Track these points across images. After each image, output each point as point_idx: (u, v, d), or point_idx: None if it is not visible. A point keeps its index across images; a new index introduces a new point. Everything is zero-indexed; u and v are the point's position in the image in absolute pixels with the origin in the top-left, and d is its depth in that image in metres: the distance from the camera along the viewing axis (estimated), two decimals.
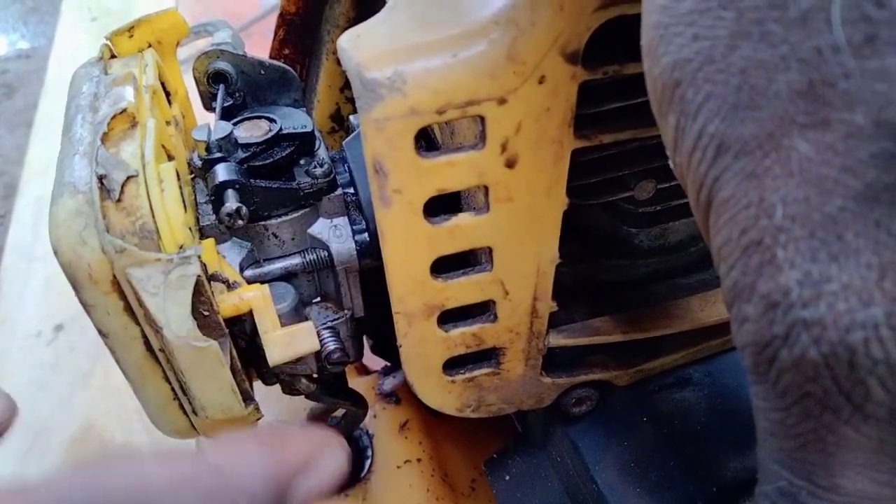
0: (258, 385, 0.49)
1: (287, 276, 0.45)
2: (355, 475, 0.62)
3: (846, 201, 0.20)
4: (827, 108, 0.19)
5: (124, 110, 0.39)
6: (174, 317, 0.35)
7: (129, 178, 0.36)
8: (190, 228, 0.38)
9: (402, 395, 0.68)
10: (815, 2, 0.19)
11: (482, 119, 0.32)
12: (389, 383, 0.68)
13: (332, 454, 0.33)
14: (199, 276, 0.35)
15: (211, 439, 0.35)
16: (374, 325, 0.54)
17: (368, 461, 0.63)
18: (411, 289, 0.37)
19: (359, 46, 0.32)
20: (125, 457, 0.30)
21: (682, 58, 0.22)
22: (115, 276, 0.36)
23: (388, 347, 0.69)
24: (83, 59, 0.47)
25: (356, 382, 0.70)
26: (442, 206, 0.36)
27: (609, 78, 0.33)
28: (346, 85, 0.59)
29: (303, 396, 0.51)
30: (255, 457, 0.31)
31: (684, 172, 0.24)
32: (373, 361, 0.77)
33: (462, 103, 0.31)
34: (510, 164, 0.34)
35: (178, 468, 0.30)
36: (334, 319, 0.48)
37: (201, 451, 0.31)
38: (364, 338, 0.59)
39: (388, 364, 0.72)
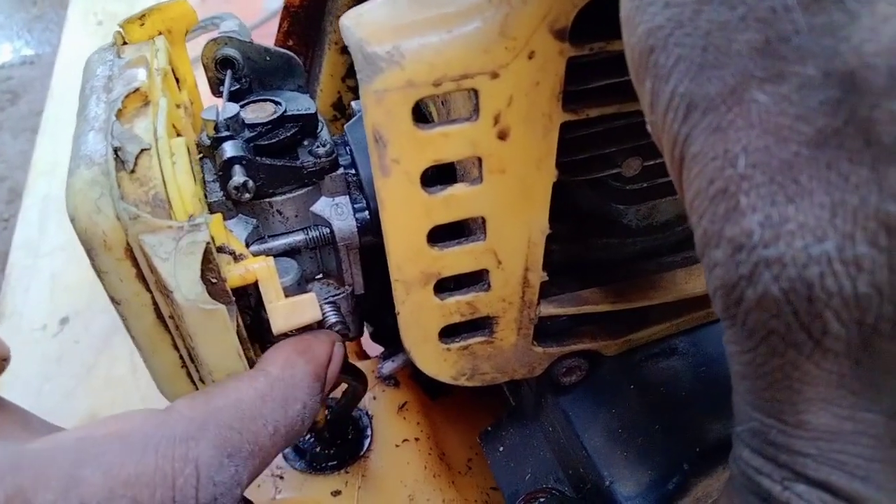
0: None
1: (290, 252, 0.47)
2: (355, 453, 0.63)
3: (800, 147, 0.21)
4: (782, 63, 0.21)
5: (137, 89, 0.41)
6: (184, 281, 0.37)
7: (142, 150, 0.38)
8: (199, 200, 0.40)
9: (401, 378, 0.69)
10: None
11: (476, 92, 0.34)
12: (388, 367, 0.69)
13: (336, 346, 0.45)
14: (207, 242, 0.37)
15: (265, 354, 0.43)
16: (374, 309, 0.56)
17: (368, 440, 0.64)
18: (409, 257, 0.39)
19: (360, 24, 0.34)
20: (221, 382, 0.40)
21: (655, 25, 0.24)
22: (128, 244, 0.38)
23: (387, 334, 0.71)
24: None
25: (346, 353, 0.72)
26: (440, 180, 0.38)
27: (595, 54, 0.35)
28: (348, 74, 0.61)
29: None
30: (301, 363, 0.42)
31: (659, 133, 0.26)
32: (372, 347, 0.78)
33: (457, 76, 0.33)
34: (502, 136, 0.36)
35: (260, 384, 0.39)
36: (335, 295, 0.50)
37: (263, 367, 0.41)
38: (364, 324, 0.61)
39: (387, 350, 0.74)
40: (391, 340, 0.70)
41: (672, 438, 0.42)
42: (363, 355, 0.77)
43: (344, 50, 0.59)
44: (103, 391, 1.01)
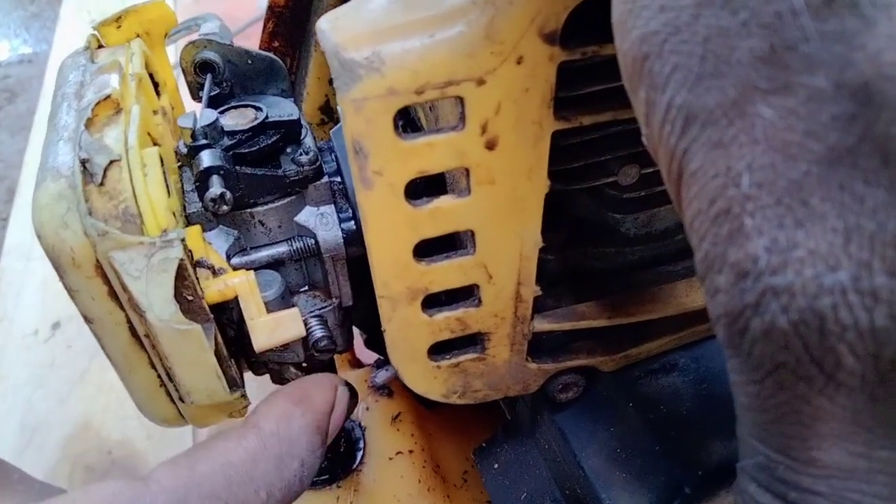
0: (254, 379, 0.49)
1: (274, 264, 0.46)
2: (347, 466, 0.62)
3: (810, 165, 0.20)
4: (788, 73, 0.19)
5: (108, 97, 0.39)
6: (157, 300, 0.35)
7: (111, 162, 0.36)
8: (175, 214, 0.38)
9: (395, 388, 0.68)
10: None
11: (461, 100, 0.32)
12: (382, 376, 0.68)
13: (341, 390, 0.42)
14: (181, 259, 0.36)
15: (256, 407, 0.39)
16: (365, 317, 0.55)
17: (360, 453, 0.63)
18: (394, 272, 0.37)
19: (337, 28, 0.32)
20: (206, 443, 0.36)
21: (649, 30, 0.22)
22: (98, 261, 0.36)
23: (381, 341, 0.69)
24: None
25: (348, 375, 0.70)
26: (427, 192, 0.36)
27: (588, 59, 0.33)
28: None
29: None
30: (297, 415, 0.38)
31: (656, 146, 0.24)
32: (365, 355, 0.77)
33: (441, 83, 0.31)
34: (490, 146, 0.34)
35: (250, 443, 0.36)
36: (322, 308, 0.48)
37: (254, 422, 0.38)
38: (357, 332, 0.59)
39: (381, 357, 0.72)
40: (383, 346, 0.69)
41: (672, 460, 0.40)
42: (356, 363, 0.76)
43: None
44: (96, 397, 1.00)
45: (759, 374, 0.22)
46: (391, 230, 0.35)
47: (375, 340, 0.68)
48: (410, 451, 0.62)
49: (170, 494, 0.32)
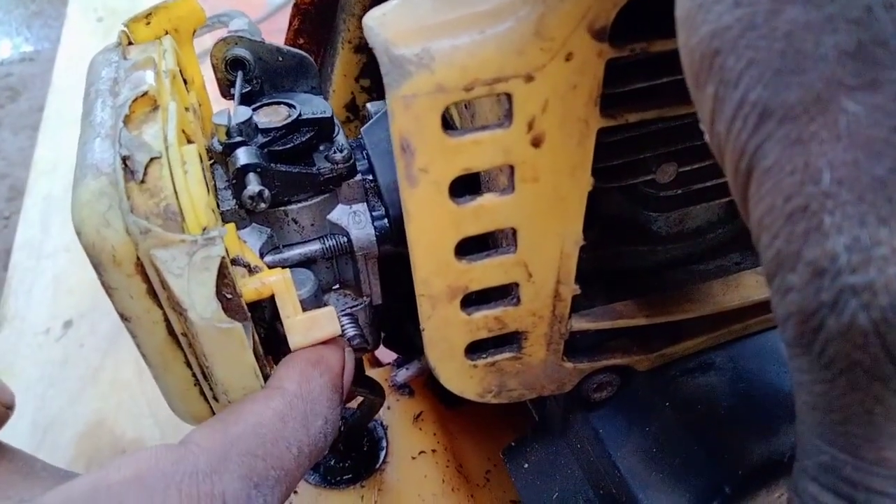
0: None
1: (306, 263, 0.45)
2: (371, 466, 0.61)
3: None
4: (877, 69, 0.19)
5: (145, 93, 0.39)
6: (199, 298, 0.35)
7: (152, 159, 0.36)
8: (213, 210, 0.38)
9: (416, 387, 0.67)
10: None
11: (509, 97, 0.32)
12: (402, 375, 0.67)
13: (348, 353, 0.43)
14: (223, 257, 0.35)
15: (276, 370, 0.41)
16: (390, 316, 0.54)
17: (383, 452, 0.62)
18: (435, 270, 0.37)
19: (385, 24, 0.32)
20: (235, 406, 0.38)
21: (721, 26, 0.22)
22: (138, 258, 0.35)
23: (401, 340, 0.69)
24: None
25: (369, 374, 0.70)
26: (462, 189, 0.36)
27: (636, 56, 0.32)
28: (362, 74, 0.59)
29: None
30: (316, 375, 0.40)
31: (723, 143, 0.23)
32: (385, 353, 0.76)
33: (489, 80, 0.31)
34: (536, 143, 0.34)
35: (277, 403, 0.37)
36: (353, 306, 0.48)
37: (278, 384, 0.39)
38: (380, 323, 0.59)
39: (400, 356, 0.72)
40: (405, 346, 0.68)
41: (711, 459, 0.40)
42: (376, 362, 0.75)
43: (357, 49, 0.57)
44: (109, 395, 0.99)
45: (831, 374, 0.22)
46: (434, 228, 0.35)
47: (395, 338, 0.68)
48: (433, 451, 0.62)
49: (210, 454, 0.33)
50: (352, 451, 0.61)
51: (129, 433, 0.94)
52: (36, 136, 1.46)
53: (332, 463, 0.61)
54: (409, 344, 0.67)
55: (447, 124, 0.44)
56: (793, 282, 0.21)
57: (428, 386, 0.66)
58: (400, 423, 0.64)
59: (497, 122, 0.33)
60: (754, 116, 0.21)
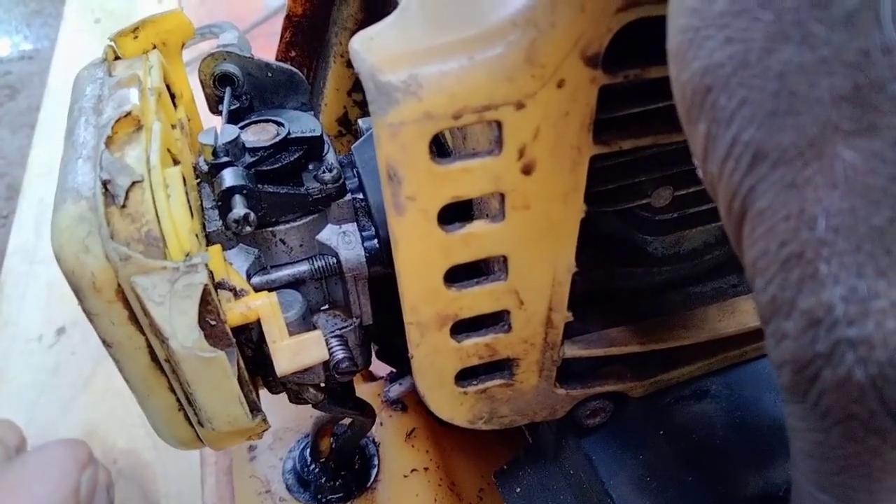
0: (264, 393, 0.48)
1: (295, 283, 0.44)
2: (362, 484, 0.60)
3: (895, 212, 0.19)
4: (874, 114, 0.18)
5: (129, 113, 0.38)
6: (180, 327, 0.34)
7: (134, 183, 0.35)
8: (196, 235, 0.37)
9: (409, 403, 0.67)
10: (863, 1, 0.18)
11: (499, 124, 0.31)
12: (395, 390, 0.67)
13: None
14: (205, 284, 0.34)
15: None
16: (379, 329, 0.53)
17: (375, 470, 0.62)
18: (424, 298, 0.36)
19: (372, 49, 0.31)
20: None
21: (713, 62, 0.21)
22: (119, 285, 0.35)
23: (394, 353, 0.68)
24: (87, 61, 0.46)
25: (361, 389, 0.69)
26: (452, 213, 0.35)
27: (630, 82, 0.32)
28: (354, 88, 0.58)
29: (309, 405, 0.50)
30: None
31: (715, 182, 0.23)
32: (378, 367, 0.76)
33: (479, 108, 0.30)
34: (527, 171, 0.33)
35: None
36: (342, 328, 0.47)
37: None
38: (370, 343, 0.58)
39: (394, 370, 0.71)
40: (398, 360, 0.68)
41: (706, 490, 0.39)
42: (369, 377, 0.74)
43: (350, 63, 0.56)
44: (101, 403, 0.98)
45: (826, 424, 0.21)
46: (423, 256, 0.34)
47: (388, 352, 0.67)
48: (426, 469, 0.61)
49: None
50: (343, 468, 0.60)
51: (121, 443, 0.93)
52: (34, 135, 1.45)
53: (322, 481, 0.60)
54: (401, 358, 0.66)
55: (438, 144, 0.43)
56: (788, 329, 0.21)
57: (421, 402, 0.65)
58: (392, 439, 0.63)
59: (487, 150, 0.32)
60: (747, 157, 0.21)
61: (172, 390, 0.40)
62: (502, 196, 0.33)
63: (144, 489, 0.87)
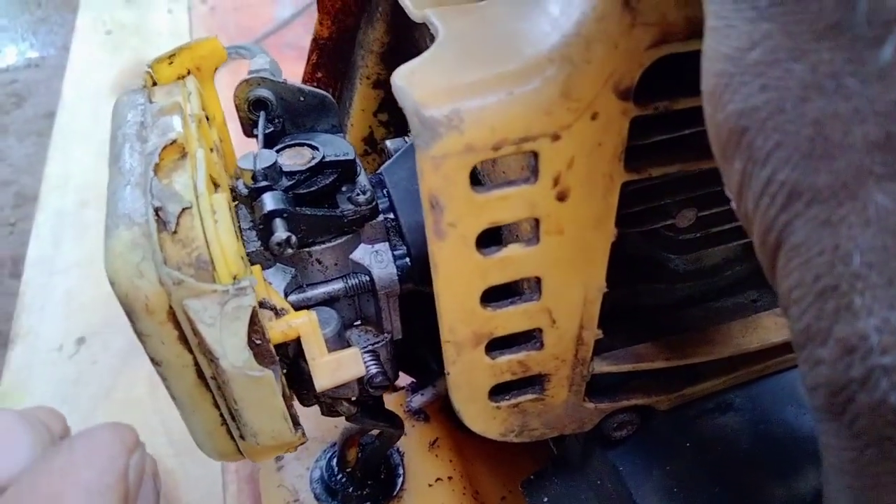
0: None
1: (329, 301, 0.46)
2: (388, 494, 0.62)
3: None
4: None
5: (174, 141, 0.40)
6: (231, 347, 0.36)
7: (183, 209, 0.36)
8: (242, 258, 0.39)
9: (431, 412, 0.68)
10: (895, 57, 0.20)
11: (535, 154, 0.33)
12: (417, 401, 0.68)
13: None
14: (254, 306, 0.36)
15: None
16: (409, 346, 0.55)
17: (400, 479, 0.63)
18: (461, 318, 0.37)
19: (414, 84, 0.32)
20: None
21: (749, 106, 0.22)
22: (171, 307, 0.36)
23: (416, 364, 0.70)
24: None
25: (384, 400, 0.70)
26: (486, 238, 0.37)
27: (659, 112, 0.33)
28: (380, 109, 0.60)
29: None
30: None
31: (750, 216, 0.24)
32: (400, 378, 0.77)
33: (517, 140, 0.32)
34: (561, 198, 0.34)
35: None
36: (374, 343, 0.48)
37: None
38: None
39: (414, 381, 0.72)
40: (419, 370, 0.69)
41: (731, 501, 0.41)
42: (391, 387, 0.76)
43: (375, 85, 0.57)
44: (122, 413, 1.00)
45: (859, 443, 0.22)
46: (461, 278, 0.36)
47: (409, 363, 0.68)
48: (450, 478, 0.62)
49: None
50: (369, 478, 0.62)
51: None
52: (41, 142, 1.47)
53: (350, 490, 0.61)
54: (423, 368, 0.68)
55: (472, 172, 0.45)
56: (823, 356, 0.22)
57: (443, 411, 0.67)
58: (416, 449, 0.65)
59: (523, 177, 0.34)
60: (783, 195, 0.22)
61: (216, 406, 0.41)
62: (537, 221, 0.35)
63: (167, 496, 0.88)
